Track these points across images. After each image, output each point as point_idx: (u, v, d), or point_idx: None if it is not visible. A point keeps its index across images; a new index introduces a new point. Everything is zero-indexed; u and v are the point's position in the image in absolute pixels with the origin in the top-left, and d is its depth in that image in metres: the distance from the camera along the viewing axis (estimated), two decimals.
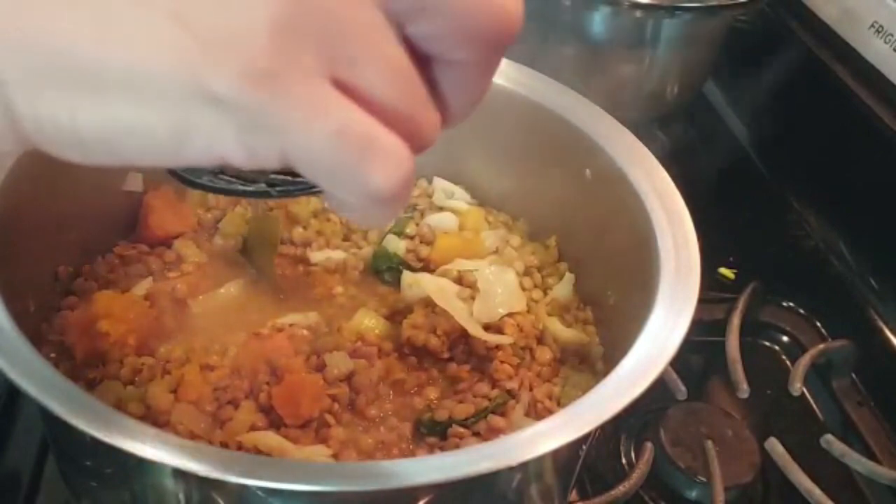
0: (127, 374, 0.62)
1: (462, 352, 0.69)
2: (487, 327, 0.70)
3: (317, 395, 0.62)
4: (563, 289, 0.75)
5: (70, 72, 0.31)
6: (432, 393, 0.67)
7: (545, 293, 0.76)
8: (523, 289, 0.74)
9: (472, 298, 0.72)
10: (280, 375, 0.63)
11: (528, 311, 0.73)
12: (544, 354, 0.70)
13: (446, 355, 0.69)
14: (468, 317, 0.70)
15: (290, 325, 0.69)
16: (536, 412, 0.66)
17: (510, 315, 0.71)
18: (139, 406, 0.60)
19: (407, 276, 0.74)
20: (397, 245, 0.77)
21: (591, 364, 0.70)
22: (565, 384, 0.68)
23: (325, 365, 0.65)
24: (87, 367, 0.63)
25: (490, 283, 0.72)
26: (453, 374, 0.68)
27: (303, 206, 0.80)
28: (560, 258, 0.78)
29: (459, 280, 0.74)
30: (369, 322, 0.70)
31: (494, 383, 0.67)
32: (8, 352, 0.48)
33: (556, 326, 0.72)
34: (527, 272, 0.76)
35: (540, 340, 0.71)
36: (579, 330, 0.72)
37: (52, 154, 0.34)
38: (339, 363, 0.65)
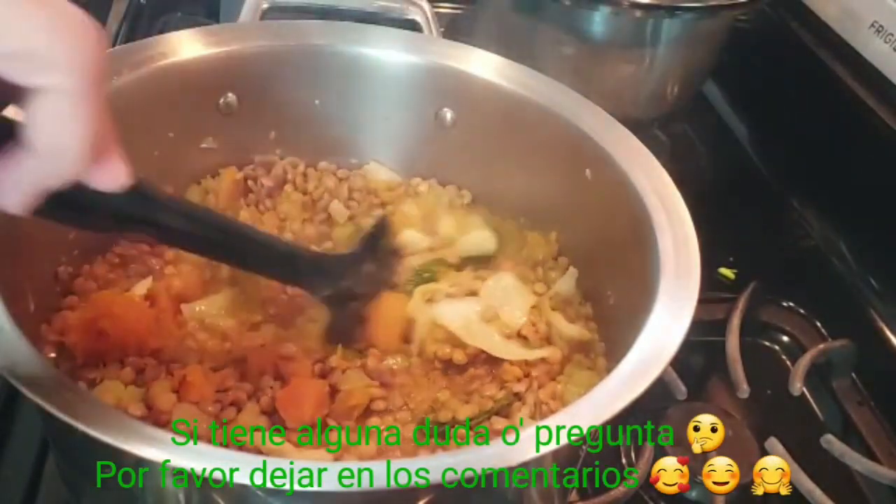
0: (128, 375, 0.62)
1: (480, 357, 0.70)
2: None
3: (320, 401, 0.62)
4: (565, 283, 0.75)
5: None
6: (443, 395, 0.67)
7: (548, 287, 0.76)
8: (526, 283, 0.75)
9: (495, 314, 0.72)
10: (286, 379, 0.63)
11: (534, 306, 0.73)
12: (555, 354, 0.70)
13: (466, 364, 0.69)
14: (501, 342, 0.70)
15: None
16: (541, 413, 0.66)
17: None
18: (139, 406, 0.60)
19: (419, 297, 0.73)
20: None
21: (594, 360, 0.70)
22: (568, 381, 0.68)
23: (330, 370, 0.65)
24: (87, 367, 0.63)
25: (499, 296, 0.73)
26: (469, 377, 0.68)
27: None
28: (560, 254, 0.78)
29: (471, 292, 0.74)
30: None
31: (502, 385, 0.67)
32: (8, 352, 0.48)
33: (560, 322, 0.72)
34: (531, 266, 0.77)
35: (550, 340, 0.72)
36: (583, 327, 0.72)
37: None
38: (354, 382, 0.65)
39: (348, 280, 0.68)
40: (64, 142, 0.38)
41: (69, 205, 0.43)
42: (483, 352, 0.69)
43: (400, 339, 0.70)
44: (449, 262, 0.77)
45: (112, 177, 0.42)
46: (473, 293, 0.73)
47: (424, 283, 0.74)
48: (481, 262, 0.77)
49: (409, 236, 0.78)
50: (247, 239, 0.61)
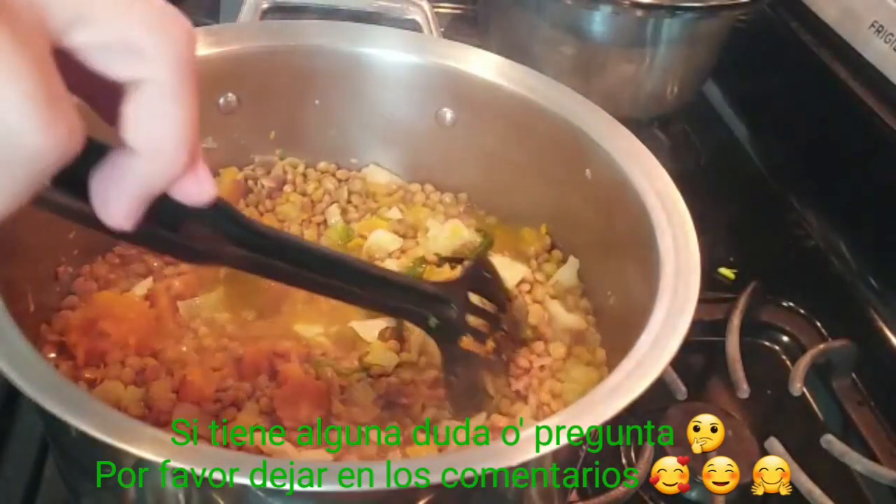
0: (129, 375, 0.62)
1: None
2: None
3: (318, 401, 0.62)
4: (567, 272, 0.76)
5: None
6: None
7: (547, 277, 0.76)
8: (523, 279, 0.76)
9: None
10: (283, 379, 0.63)
11: (530, 291, 0.74)
12: (558, 350, 0.70)
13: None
14: None
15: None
16: (543, 414, 0.66)
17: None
18: (139, 406, 0.60)
19: None
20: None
21: (593, 352, 0.71)
22: (567, 378, 0.68)
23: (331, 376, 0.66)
24: (88, 367, 0.63)
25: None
26: None
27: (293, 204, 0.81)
28: (553, 246, 0.79)
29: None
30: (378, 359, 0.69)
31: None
32: (8, 352, 0.48)
33: (559, 311, 0.73)
34: (525, 260, 0.78)
35: (554, 333, 0.72)
36: (581, 318, 0.73)
37: None
38: (362, 396, 0.65)
39: (452, 306, 0.63)
40: (163, 134, 0.38)
41: (165, 221, 0.43)
42: None
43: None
44: (429, 260, 0.77)
45: (201, 188, 0.41)
46: None
47: None
48: (458, 262, 0.77)
49: (380, 237, 0.78)
50: (338, 264, 0.56)
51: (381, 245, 0.78)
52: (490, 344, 0.66)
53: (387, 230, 0.79)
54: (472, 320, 0.65)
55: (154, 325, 0.66)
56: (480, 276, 0.68)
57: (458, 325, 0.64)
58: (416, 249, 0.78)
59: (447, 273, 0.75)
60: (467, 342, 0.65)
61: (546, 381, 0.68)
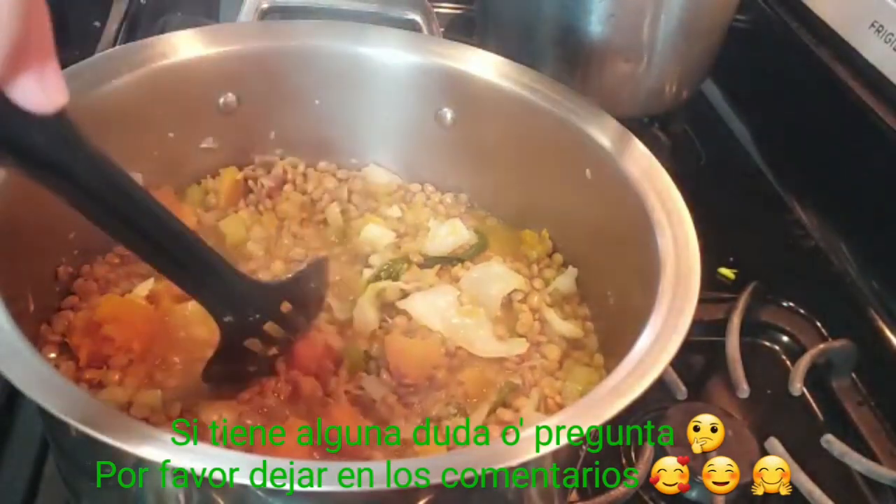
0: (132, 379, 0.63)
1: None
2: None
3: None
4: (565, 281, 0.76)
5: None
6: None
7: (546, 283, 0.76)
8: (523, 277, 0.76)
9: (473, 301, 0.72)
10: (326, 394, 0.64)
11: (523, 300, 0.74)
12: (553, 352, 0.71)
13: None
14: (480, 338, 0.70)
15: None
16: (546, 407, 0.67)
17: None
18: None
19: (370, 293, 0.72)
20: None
21: (591, 357, 0.71)
22: (567, 378, 0.68)
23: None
24: (89, 367, 0.63)
25: (480, 281, 0.74)
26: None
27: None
28: (555, 250, 0.78)
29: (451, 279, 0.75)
30: None
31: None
32: (8, 352, 0.48)
33: (554, 318, 0.73)
34: (527, 265, 0.78)
35: (548, 338, 0.72)
36: (577, 326, 0.73)
37: None
38: (374, 388, 0.66)
39: (258, 312, 0.61)
40: None
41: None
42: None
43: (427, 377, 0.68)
44: (412, 260, 0.76)
45: (46, 92, 0.35)
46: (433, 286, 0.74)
47: (385, 279, 0.74)
48: (450, 262, 0.77)
49: (372, 231, 0.78)
50: (169, 230, 0.52)
51: (372, 239, 0.78)
52: (274, 350, 0.64)
53: (384, 227, 0.79)
54: (269, 326, 0.62)
55: (160, 328, 0.66)
56: (306, 287, 0.66)
57: (251, 327, 0.61)
58: (410, 245, 0.78)
59: (429, 275, 0.75)
60: (252, 342, 0.62)
61: (543, 380, 0.69)
